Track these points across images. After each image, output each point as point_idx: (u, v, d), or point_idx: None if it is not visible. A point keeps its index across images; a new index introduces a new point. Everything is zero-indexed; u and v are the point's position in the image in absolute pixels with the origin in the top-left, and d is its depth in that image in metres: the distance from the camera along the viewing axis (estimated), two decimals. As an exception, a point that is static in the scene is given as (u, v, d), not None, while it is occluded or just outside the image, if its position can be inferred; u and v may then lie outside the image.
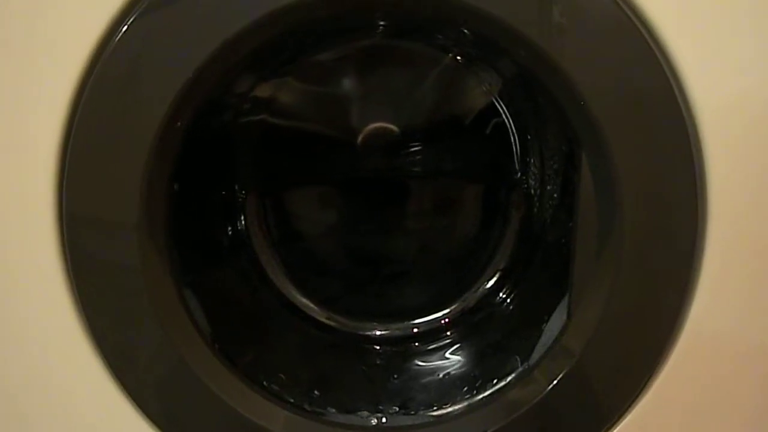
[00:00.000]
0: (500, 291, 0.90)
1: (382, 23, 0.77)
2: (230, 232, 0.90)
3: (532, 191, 0.89)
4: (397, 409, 0.74)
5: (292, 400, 0.71)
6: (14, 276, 0.62)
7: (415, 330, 0.90)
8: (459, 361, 0.83)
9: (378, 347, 0.89)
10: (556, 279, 0.75)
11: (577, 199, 0.66)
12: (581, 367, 0.64)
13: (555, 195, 0.85)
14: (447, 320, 0.90)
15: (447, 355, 0.85)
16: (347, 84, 0.86)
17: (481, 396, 0.71)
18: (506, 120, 0.88)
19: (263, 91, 0.85)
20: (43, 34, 0.58)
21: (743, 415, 0.66)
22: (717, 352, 0.64)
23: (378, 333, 0.90)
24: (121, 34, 0.57)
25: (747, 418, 0.66)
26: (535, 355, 0.70)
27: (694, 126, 0.58)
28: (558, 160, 0.83)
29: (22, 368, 0.66)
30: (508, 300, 0.89)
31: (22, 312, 0.63)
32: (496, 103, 0.87)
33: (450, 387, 0.77)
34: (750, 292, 0.63)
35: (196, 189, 0.76)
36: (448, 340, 0.87)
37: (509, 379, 0.70)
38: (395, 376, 0.82)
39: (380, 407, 0.74)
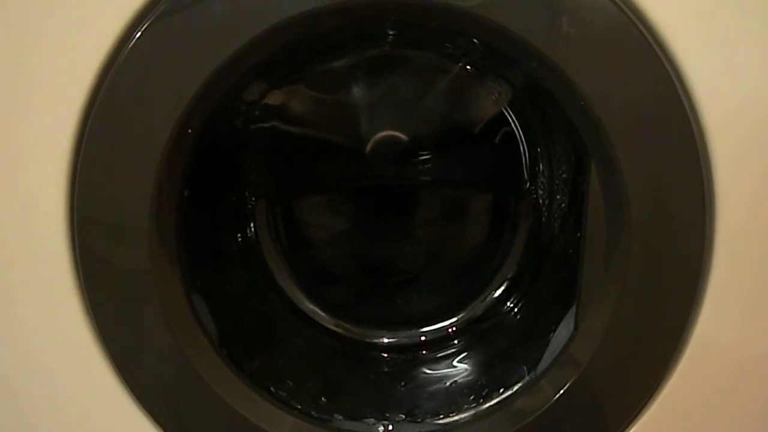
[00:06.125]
0: (508, 300, 0.90)
1: (392, 33, 0.77)
2: (240, 239, 0.90)
3: (541, 201, 0.89)
4: (404, 416, 0.74)
5: (299, 407, 0.71)
6: (25, 278, 0.63)
7: (423, 338, 0.90)
8: (466, 369, 0.83)
9: (385, 355, 0.89)
10: (563, 289, 0.75)
11: (585, 208, 0.66)
12: (588, 377, 0.64)
13: (563, 205, 0.85)
14: (454, 329, 0.90)
15: (454, 363, 0.85)
16: (357, 92, 0.87)
17: (487, 405, 0.71)
18: (515, 130, 0.88)
19: (274, 98, 0.85)
20: (58, 39, 0.58)
21: (750, 425, 0.66)
22: (723, 363, 0.64)
23: (385, 340, 0.90)
24: (134, 40, 0.58)
25: (753, 428, 0.66)
26: (542, 365, 0.70)
27: (702, 134, 0.58)
28: (567, 170, 0.83)
29: (31, 370, 0.66)
30: (516, 309, 0.89)
31: (32, 314, 0.64)
32: (506, 113, 0.87)
33: (457, 395, 0.77)
34: (757, 303, 0.62)
35: (207, 195, 0.76)
36: (455, 349, 0.87)
37: (516, 388, 0.70)
38: (402, 383, 0.82)
39: (387, 414, 0.74)
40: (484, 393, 0.74)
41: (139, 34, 0.58)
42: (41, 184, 0.60)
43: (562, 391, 0.64)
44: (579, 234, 0.71)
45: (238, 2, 0.57)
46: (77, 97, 0.58)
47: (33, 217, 0.61)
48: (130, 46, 0.58)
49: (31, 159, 0.60)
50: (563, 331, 0.71)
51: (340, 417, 0.72)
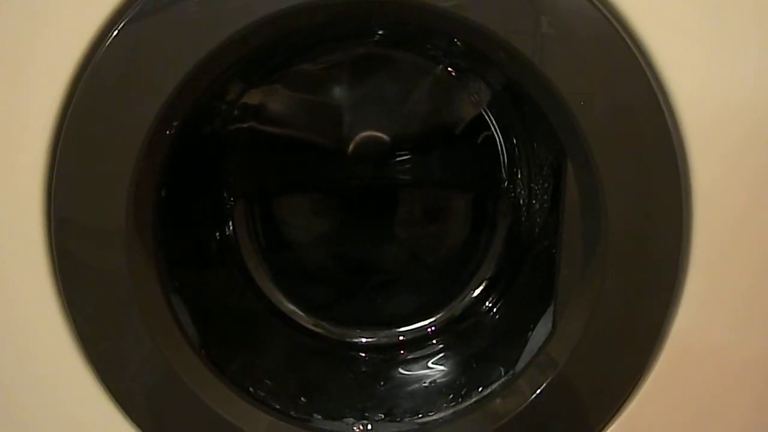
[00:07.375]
0: (487, 300, 0.90)
1: (380, 32, 0.77)
2: (218, 238, 0.89)
3: (520, 201, 0.89)
4: (383, 416, 0.74)
5: (278, 407, 0.71)
6: (2, 281, 0.62)
7: (402, 338, 0.91)
8: (444, 369, 0.83)
9: (364, 355, 0.89)
10: (542, 288, 0.76)
11: (562, 208, 0.66)
12: (565, 376, 0.64)
13: (543, 205, 0.85)
14: (433, 328, 0.91)
15: (433, 363, 0.85)
16: (338, 92, 0.86)
17: (466, 404, 0.71)
18: (494, 131, 0.88)
19: (253, 98, 0.85)
20: (33, 40, 0.58)
21: (728, 423, 0.66)
22: (701, 362, 0.64)
23: (364, 340, 0.90)
24: (111, 39, 0.57)
25: (731, 425, 0.67)
26: (520, 364, 0.70)
27: (680, 137, 0.58)
28: (546, 170, 0.83)
29: (10, 375, 0.65)
30: (495, 309, 0.89)
31: (10, 318, 0.63)
32: (485, 115, 0.88)
33: (435, 395, 0.77)
34: (734, 302, 0.63)
35: (185, 195, 0.76)
36: (434, 349, 0.88)
37: (494, 387, 0.70)
38: (381, 383, 0.82)
39: (366, 414, 0.74)
40: (462, 392, 0.74)
41: (115, 33, 0.57)
42: (17, 186, 0.60)
43: (539, 391, 0.64)
44: (557, 233, 0.71)
45: (216, 0, 0.57)
46: (54, 98, 0.58)
47: (10, 220, 0.61)
48: (107, 45, 0.57)
49: (6, 161, 0.60)
50: (541, 331, 0.72)
51: (319, 417, 0.72)
